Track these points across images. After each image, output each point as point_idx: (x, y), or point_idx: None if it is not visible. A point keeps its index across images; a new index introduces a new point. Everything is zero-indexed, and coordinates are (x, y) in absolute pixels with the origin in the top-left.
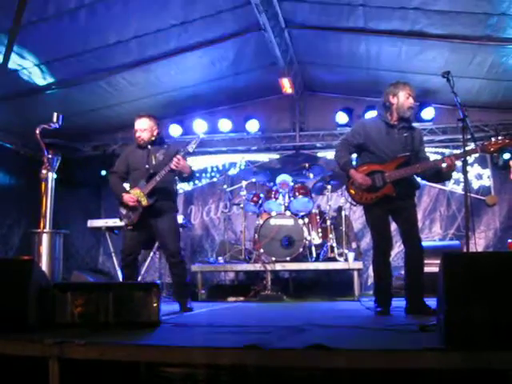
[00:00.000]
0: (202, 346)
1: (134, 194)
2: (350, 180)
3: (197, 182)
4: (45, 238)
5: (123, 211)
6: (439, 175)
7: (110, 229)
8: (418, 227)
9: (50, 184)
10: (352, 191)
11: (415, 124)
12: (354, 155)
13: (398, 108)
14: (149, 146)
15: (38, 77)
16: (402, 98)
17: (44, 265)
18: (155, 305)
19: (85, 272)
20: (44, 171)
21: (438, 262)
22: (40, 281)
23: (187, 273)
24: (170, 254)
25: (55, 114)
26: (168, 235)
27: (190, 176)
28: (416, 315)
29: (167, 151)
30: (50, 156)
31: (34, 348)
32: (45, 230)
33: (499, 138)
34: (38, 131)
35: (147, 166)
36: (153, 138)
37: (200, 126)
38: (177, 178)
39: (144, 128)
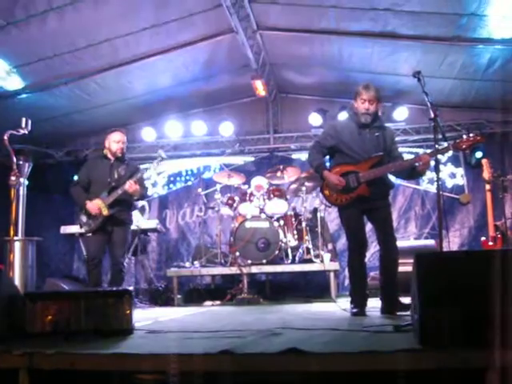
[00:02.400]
0: (174, 354)
1: (96, 204)
2: (324, 182)
3: (171, 185)
4: (17, 246)
5: (83, 219)
6: (413, 173)
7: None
8: (393, 227)
9: (22, 191)
10: (326, 192)
11: (388, 124)
12: (327, 157)
13: (358, 112)
14: (112, 160)
15: (8, 82)
16: (358, 104)
17: (16, 273)
18: (128, 312)
19: (59, 279)
20: (13, 178)
21: (411, 261)
22: (9, 290)
23: (123, 283)
24: (115, 261)
25: (23, 120)
26: (118, 246)
27: (139, 197)
28: (391, 315)
29: (128, 167)
30: (20, 162)
31: (3, 359)
32: (16, 238)
33: (470, 135)
34: (5, 137)
35: (109, 180)
36: (120, 154)
37: (173, 129)
38: None
39: (123, 140)
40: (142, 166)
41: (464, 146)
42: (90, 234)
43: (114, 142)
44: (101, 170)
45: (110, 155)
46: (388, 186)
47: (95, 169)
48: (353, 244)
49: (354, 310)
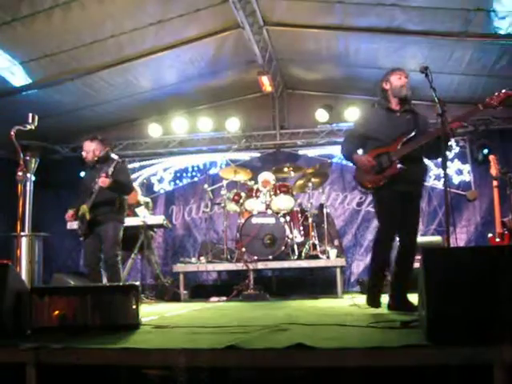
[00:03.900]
0: (181, 348)
1: (81, 209)
2: (356, 169)
3: (178, 181)
4: (24, 242)
5: (78, 224)
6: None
7: None
8: (418, 223)
9: (29, 186)
10: (359, 178)
11: None
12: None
13: (393, 90)
14: (97, 166)
15: (14, 77)
16: (395, 80)
17: (23, 268)
18: (134, 307)
19: (65, 275)
20: (20, 173)
21: (419, 257)
22: (16, 285)
23: (120, 277)
24: (105, 258)
25: (30, 115)
26: (106, 242)
27: (119, 190)
28: (398, 312)
29: (110, 166)
30: (27, 158)
31: (11, 354)
32: (23, 234)
33: (503, 90)
34: (12, 133)
35: (92, 185)
36: (96, 158)
37: (180, 125)
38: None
39: (87, 150)
40: (148, 162)
41: (495, 103)
42: (82, 238)
43: (83, 151)
44: (89, 176)
45: (86, 162)
46: (423, 168)
47: (88, 176)
48: (384, 229)
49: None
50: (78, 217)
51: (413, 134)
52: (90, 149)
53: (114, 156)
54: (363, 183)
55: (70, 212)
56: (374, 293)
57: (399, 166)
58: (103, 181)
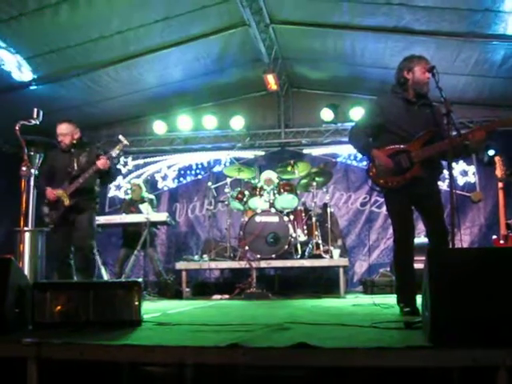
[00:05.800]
0: (183, 346)
1: (57, 194)
2: (371, 163)
3: (181, 179)
4: (27, 237)
5: (46, 210)
6: (463, 152)
7: None
8: (444, 218)
9: (32, 181)
10: (374, 175)
11: None
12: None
13: (414, 84)
14: (72, 150)
15: (20, 72)
16: (418, 73)
17: (26, 263)
18: (137, 303)
19: None
20: (24, 168)
21: (424, 258)
22: (19, 280)
23: (95, 271)
24: (79, 246)
25: (35, 110)
26: (82, 230)
27: (111, 176)
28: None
29: (89, 154)
30: (31, 153)
31: (12, 349)
32: (26, 228)
33: None
34: (17, 127)
35: (69, 169)
36: (74, 142)
37: (184, 122)
38: (98, 179)
39: (64, 133)
40: (152, 159)
41: None
42: (53, 227)
43: (58, 134)
44: (61, 160)
45: (62, 146)
46: (441, 168)
47: (56, 160)
48: (401, 235)
49: (406, 309)
50: (48, 202)
51: (432, 130)
52: (68, 131)
53: (121, 138)
54: (377, 182)
55: (50, 189)
56: (411, 304)
57: (423, 173)
58: (103, 162)
